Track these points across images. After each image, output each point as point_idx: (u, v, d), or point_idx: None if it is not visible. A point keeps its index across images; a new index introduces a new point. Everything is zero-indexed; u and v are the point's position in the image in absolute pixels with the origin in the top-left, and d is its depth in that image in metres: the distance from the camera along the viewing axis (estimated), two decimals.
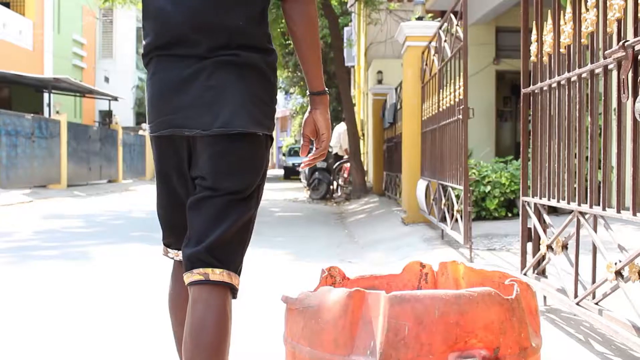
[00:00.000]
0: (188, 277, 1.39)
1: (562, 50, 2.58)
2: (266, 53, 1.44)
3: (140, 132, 22.09)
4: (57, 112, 16.21)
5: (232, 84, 1.38)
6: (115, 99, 19.21)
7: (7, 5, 17.79)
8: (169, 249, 1.59)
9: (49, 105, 16.47)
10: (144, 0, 1.47)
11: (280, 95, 41.00)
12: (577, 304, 2.36)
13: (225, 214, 1.39)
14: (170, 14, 1.38)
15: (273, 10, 9.93)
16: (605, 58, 2.15)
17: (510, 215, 6.02)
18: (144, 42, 1.48)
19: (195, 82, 1.37)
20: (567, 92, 2.51)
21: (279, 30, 11.67)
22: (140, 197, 12.95)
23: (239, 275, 1.43)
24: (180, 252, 1.49)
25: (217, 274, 1.36)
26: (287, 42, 18.46)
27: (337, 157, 12.74)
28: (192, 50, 1.38)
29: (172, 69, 1.40)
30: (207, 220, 1.38)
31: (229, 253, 1.40)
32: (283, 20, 11.17)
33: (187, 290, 1.42)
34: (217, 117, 1.37)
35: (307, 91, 1.56)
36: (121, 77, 24.85)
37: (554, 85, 2.66)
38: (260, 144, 1.44)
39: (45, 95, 17.43)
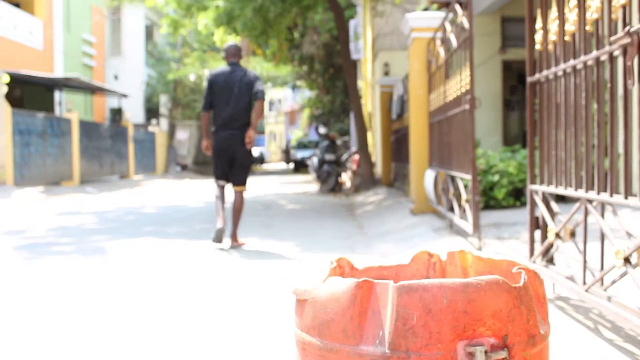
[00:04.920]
0: (235, 188, 5.26)
1: (567, 38, 2.58)
2: (249, 124, 5.27)
3: (150, 129, 22.15)
4: (69, 110, 16.29)
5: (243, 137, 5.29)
6: (125, 96, 19.31)
7: (17, 5, 17.85)
8: (219, 181, 5.24)
9: (60, 103, 16.57)
10: (217, 111, 5.22)
11: (287, 91, 41.64)
12: (586, 291, 2.37)
13: (247, 171, 5.31)
14: (227, 116, 5.19)
15: (279, 4, 9.92)
16: (610, 45, 2.15)
17: (518, 204, 6.01)
18: (216, 122, 5.23)
19: (238, 136, 5.19)
20: (573, 80, 2.51)
21: (284, 25, 11.63)
22: (151, 193, 13.03)
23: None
24: (224, 181, 5.25)
25: (244, 187, 5.29)
26: (292, 36, 18.43)
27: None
28: (233, 126, 5.19)
29: (227, 132, 5.19)
30: (241, 172, 5.26)
31: (246, 181, 5.32)
32: (289, 15, 11.18)
33: (225, 193, 5.28)
34: (243, 144, 5.22)
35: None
36: (130, 75, 24.88)
37: (560, 73, 2.66)
38: (252, 150, 5.32)
39: (57, 93, 17.54)
